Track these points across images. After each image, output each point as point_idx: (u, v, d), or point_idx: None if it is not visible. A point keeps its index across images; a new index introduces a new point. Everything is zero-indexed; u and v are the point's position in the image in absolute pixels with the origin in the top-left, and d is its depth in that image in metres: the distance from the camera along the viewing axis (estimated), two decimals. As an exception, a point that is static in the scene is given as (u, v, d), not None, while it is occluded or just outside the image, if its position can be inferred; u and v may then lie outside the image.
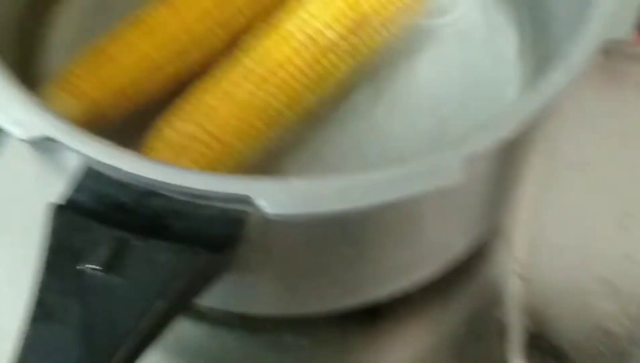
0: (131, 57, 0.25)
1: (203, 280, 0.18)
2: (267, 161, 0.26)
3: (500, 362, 0.27)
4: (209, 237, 0.17)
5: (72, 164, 0.17)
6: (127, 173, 0.16)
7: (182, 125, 0.24)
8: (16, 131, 0.17)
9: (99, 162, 0.17)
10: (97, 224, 0.16)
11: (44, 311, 0.16)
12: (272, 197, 0.16)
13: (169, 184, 0.16)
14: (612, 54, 0.34)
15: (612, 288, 0.29)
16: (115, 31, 0.26)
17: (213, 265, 0.18)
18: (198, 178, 0.16)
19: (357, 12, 0.26)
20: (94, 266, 0.16)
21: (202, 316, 0.27)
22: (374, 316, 0.27)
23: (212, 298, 0.19)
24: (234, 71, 0.25)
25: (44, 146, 0.17)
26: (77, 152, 0.17)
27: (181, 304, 0.18)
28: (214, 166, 0.23)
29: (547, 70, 0.19)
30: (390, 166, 0.17)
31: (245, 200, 0.16)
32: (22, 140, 0.17)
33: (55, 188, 0.17)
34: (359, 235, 0.20)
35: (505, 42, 0.30)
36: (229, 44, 0.27)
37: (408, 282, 0.26)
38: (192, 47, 0.26)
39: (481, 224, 0.27)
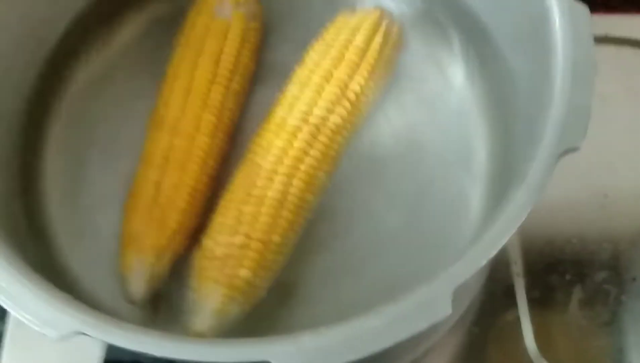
0: (184, 196, 0.26)
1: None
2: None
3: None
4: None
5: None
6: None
7: (228, 239, 0.25)
8: (48, 333, 0.19)
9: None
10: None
11: None
12: (288, 359, 0.17)
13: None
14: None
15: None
16: (144, 174, 0.27)
17: None
18: (219, 351, 0.18)
19: (335, 87, 0.28)
20: None
21: None
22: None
23: None
24: (249, 172, 0.27)
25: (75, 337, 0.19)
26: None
27: None
28: (264, 266, 0.25)
29: (508, 192, 0.20)
30: (384, 308, 0.18)
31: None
32: (54, 339, 0.19)
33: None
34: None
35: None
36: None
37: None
38: (210, 159, 0.28)
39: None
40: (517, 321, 0.30)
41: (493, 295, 0.31)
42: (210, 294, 0.24)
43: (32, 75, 0.29)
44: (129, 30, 0.32)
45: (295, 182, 0.26)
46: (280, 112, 0.28)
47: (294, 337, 0.18)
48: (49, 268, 0.26)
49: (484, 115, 0.31)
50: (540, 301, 0.31)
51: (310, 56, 0.29)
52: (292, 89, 0.29)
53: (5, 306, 0.19)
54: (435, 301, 0.18)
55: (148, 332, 0.19)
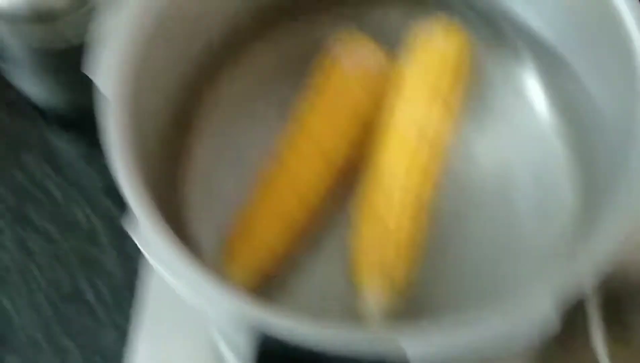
0: (278, 223, 0.29)
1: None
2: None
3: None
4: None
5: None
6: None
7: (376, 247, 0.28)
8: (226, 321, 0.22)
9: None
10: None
11: None
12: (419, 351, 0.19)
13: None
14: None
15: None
16: (255, 198, 0.30)
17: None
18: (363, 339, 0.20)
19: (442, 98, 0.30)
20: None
21: None
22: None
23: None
24: (375, 195, 0.29)
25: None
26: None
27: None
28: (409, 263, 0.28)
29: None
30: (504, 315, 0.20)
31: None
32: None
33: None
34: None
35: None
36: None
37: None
38: (314, 195, 0.30)
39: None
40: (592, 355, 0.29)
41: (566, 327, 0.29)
42: (373, 283, 0.28)
43: (177, 97, 0.32)
44: (258, 62, 0.35)
45: (427, 188, 0.29)
46: (399, 125, 0.30)
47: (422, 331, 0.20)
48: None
49: (568, 145, 0.32)
50: (616, 337, 0.30)
51: (413, 69, 0.32)
52: (402, 104, 0.31)
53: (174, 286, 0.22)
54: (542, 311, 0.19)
55: (315, 324, 0.20)
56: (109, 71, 0.26)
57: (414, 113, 0.30)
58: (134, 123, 0.26)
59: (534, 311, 0.20)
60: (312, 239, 0.31)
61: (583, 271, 0.21)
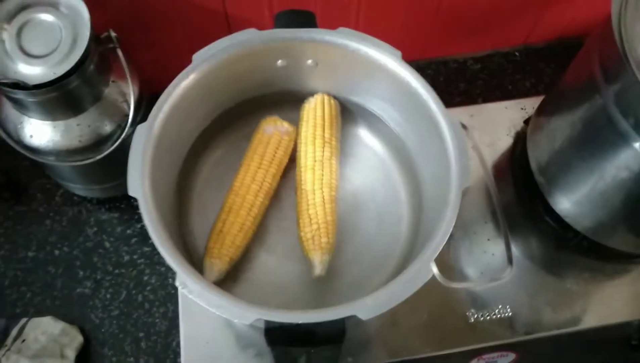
0: (237, 230, 0.49)
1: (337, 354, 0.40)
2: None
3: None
4: (336, 335, 0.39)
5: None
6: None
7: (309, 228, 0.49)
8: (242, 321, 0.38)
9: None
10: (294, 348, 0.38)
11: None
12: (365, 311, 0.38)
13: (320, 322, 0.38)
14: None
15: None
16: (219, 215, 0.50)
17: (340, 348, 0.39)
18: (328, 314, 0.38)
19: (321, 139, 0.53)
20: (300, 367, 0.38)
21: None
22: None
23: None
24: (303, 198, 0.51)
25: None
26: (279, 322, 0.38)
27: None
28: (330, 234, 0.49)
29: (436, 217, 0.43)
30: (398, 278, 0.40)
31: (353, 316, 0.38)
32: (245, 324, 0.38)
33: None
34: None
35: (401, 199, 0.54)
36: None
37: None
38: (254, 208, 0.50)
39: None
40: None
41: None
42: (315, 255, 0.48)
43: (183, 157, 0.53)
44: (227, 141, 0.55)
45: (325, 189, 0.50)
46: (302, 160, 0.52)
47: (362, 301, 0.39)
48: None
49: (404, 179, 0.55)
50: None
51: (302, 129, 0.54)
52: (301, 148, 0.53)
53: (218, 313, 0.39)
54: (423, 271, 0.39)
55: (291, 312, 0.38)
56: (133, 179, 0.42)
57: (309, 151, 0.52)
58: (156, 206, 0.43)
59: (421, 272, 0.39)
60: (258, 238, 0.51)
61: (431, 255, 0.41)
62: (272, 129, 0.52)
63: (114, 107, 0.59)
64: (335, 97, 0.55)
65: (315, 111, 0.53)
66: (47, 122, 0.57)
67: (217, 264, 0.47)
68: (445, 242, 0.41)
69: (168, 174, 0.49)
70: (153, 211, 0.41)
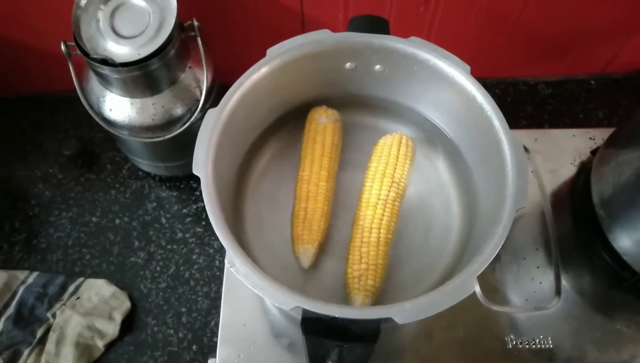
0: (320, 215, 0.51)
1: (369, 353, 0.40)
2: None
3: None
4: (370, 334, 0.39)
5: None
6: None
7: (358, 267, 0.48)
8: (283, 307, 0.39)
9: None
10: (327, 341, 0.39)
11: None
12: (402, 315, 0.38)
13: (356, 320, 0.38)
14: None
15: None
16: (297, 205, 0.52)
17: (372, 349, 0.40)
18: (365, 312, 0.39)
19: (389, 178, 0.52)
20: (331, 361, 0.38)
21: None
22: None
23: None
24: (358, 230, 0.51)
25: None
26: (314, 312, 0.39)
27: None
28: (378, 277, 0.48)
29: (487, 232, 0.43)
30: (441, 288, 0.40)
31: (389, 319, 0.38)
32: (286, 311, 0.40)
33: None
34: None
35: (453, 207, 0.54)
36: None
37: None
38: (328, 193, 0.53)
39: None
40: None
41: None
42: (357, 296, 0.48)
43: (246, 148, 0.55)
44: (282, 137, 0.57)
45: (383, 231, 0.49)
46: (365, 195, 0.52)
47: (400, 305, 0.39)
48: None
49: (458, 191, 0.54)
50: None
51: (372, 164, 0.54)
52: (367, 183, 0.53)
53: (260, 295, 0.40)
54: (466, 284, 0.39)
55: (328, 304, 0.39)
56: (199, 158, 0.44)
57: (375, 188, 0.52)
58: (216, 188, 0.44)
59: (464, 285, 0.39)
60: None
61: (476, 270, 0.41)
62: (325, 119, 0.54)
63: (187, 91, 0.62)
64: (397, 104, 0.55)
65: (390, 149, 0.53)
66: (126, 99, 0.61)
67: (310, 249, 0.50)
68: (492, 258, 0.41)
69: (230, 162, 0.51)
70: (213, 191, 0.43)
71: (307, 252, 0.49)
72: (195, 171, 0.44)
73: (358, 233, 0.50)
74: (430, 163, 0.55)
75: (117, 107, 0.61)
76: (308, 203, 0.51)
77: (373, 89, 0.55)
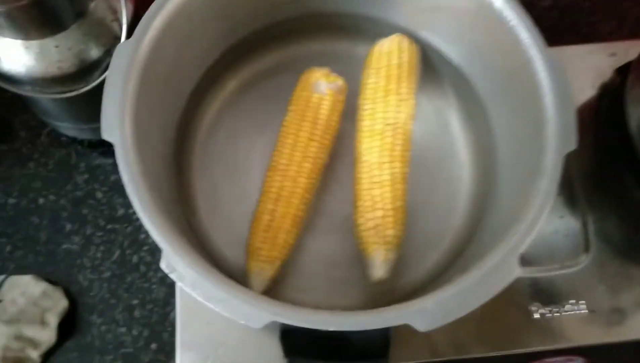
0: (290, 224, 0.37)
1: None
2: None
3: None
4: (378, 348, 0.28)
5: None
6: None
7: (372, 214, 0.37)
8: (252, 324, 0.28)
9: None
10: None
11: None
12: (424, 320, 0.27)
13: (357, 330, 0.27)
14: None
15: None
16: (264, 204, 0.38)
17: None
18: (368, 320, 0.27)
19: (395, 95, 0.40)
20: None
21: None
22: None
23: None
24: (365, 168, 0.39)
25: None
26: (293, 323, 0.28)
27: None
28: (399, 223, 0.37)
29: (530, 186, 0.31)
30: (470, 274, 0.28)
31: (406, 325, 0.27)
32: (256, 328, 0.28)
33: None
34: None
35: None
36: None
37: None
38: (307, 194, 0.39)
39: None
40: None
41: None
42: (377, 253, 0.36)
43: (185, 97, 0.41)
44: (241, 78, 0.45)
45: (397, 164, 0.38)
46: (367, 122, 0.39)
47: (420, 303, 0.28)
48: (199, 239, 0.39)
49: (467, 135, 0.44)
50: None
51: (369, 80, 0.40)
52: (367, 105, 0.40)
53: (217, 310, 0.28)
54: (507, 266, 0.28)
55: (318, 313, 0.28)
56: (108, 116, 0.31)
57: (379, 111, 0.39)
58: (140, 157, 0.31)
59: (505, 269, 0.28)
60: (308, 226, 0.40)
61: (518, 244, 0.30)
62: (325, 87, 0.40)
63: (102, 26, 0.47)
64: (377, 22, 0.42)
65: (389, 58, 0.40)
66: (18, 42, 0.45)
67: (266, 270, 0.37)
68: (539, 225, 0.29)
69: (162, 116, 0.38)
70: (135, 161, 0.30)
71: (262, 274, 0.37)
72: (105, 135, 0.30)
73: (365, 173, 0.38)
74: (428, 99, 0.43)
75: (9, 54, 0.46)
76: (278, 204, 0.38)
77: (344, 2, 0.41)
